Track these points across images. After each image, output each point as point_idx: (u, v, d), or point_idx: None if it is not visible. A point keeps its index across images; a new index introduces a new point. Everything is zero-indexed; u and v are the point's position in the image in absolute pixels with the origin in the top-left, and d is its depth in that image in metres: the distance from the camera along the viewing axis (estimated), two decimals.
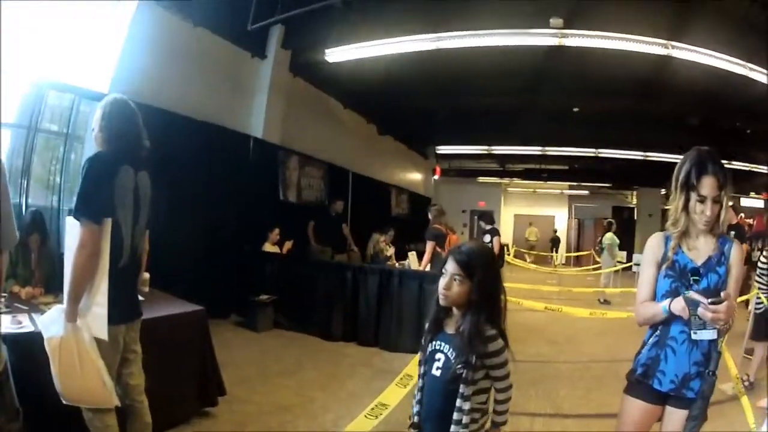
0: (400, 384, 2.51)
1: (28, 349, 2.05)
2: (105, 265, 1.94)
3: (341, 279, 5.50)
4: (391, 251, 7.96)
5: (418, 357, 1.70)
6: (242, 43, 6.29)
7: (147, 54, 4.89)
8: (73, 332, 1.91)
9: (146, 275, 3.13)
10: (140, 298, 2.31)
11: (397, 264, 7.25)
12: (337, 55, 6.50)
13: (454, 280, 1.51)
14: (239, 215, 6.16)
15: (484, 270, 1.53)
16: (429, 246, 5.53)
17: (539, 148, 12.67)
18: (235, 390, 3.40)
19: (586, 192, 18.37)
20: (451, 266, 1.53)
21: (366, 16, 6.23)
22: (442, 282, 1.53)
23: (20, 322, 2.46)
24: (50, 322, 1.99)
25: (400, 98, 9.08)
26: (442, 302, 1.54)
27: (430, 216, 5.82)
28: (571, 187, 18.60)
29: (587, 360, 5.10)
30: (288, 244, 6.46)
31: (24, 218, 3.56)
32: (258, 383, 3.83)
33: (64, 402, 2.01)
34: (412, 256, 6.63)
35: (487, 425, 1.55)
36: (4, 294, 2.86)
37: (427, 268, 5.48)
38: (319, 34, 6.62)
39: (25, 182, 4.32)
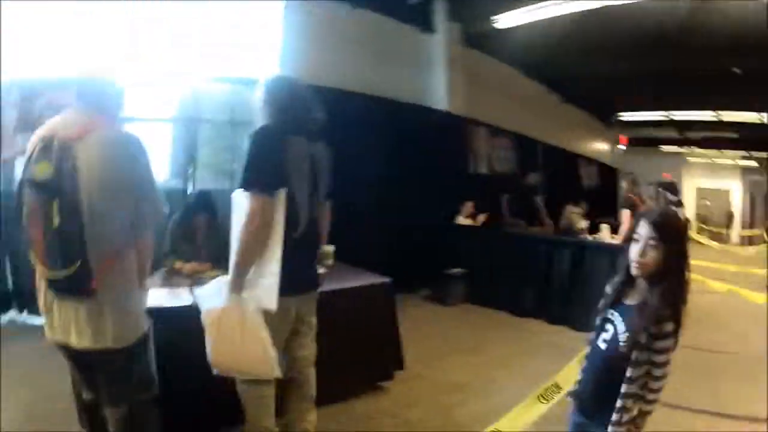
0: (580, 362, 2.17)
1: (184, 323, 2.08)
2: (279, 236, 1.88)
3: (533, 252, 5.31)
4: (584, 224, 7.35)
5: None
6: (407, 19, 6.29)
7: (310, 41, 5.17)
8: (236, 303, 1.88)
9: (329, 248, 3.15)
10: (321, 270, 2.27)
11: (589, 237, 6.66)
12: (505, 20, 6.19)
13: (649, 245, 1.33)
14: (429, 189, 6.13)
15: (678, 236, 1.39)
16: (625, 215, 5.03)
17: (715, 113, 10.90)
18: (413, 365, 3.36)
19: (756, 164, 15.90)
20: (644, 230, 1.35)
21: None
22: (635, 249, 1.35)
23: (179, 296, 2.51)
24: (210, 295, 1.97)
25: (578, 63, 8.31)
26: (634, 272, 1.36)
27: (623, 185, 5.34)
28: (744, 158, 16.27)
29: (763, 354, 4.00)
30: (482, 217, 6.37)
31: (188, 198, 3.85)
32: (437, 359, 3.78)
33: (214, 373, 2.00)
34: (605, 228, 6.06)
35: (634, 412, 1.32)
36: (163, 268, 3.03)
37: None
38: (484, 1, 6.33)
39: (191, 169, 4.84)
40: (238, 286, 1.88)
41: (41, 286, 1.67)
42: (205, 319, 1.95)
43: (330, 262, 3.17)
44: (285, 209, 1.89)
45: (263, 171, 1.87)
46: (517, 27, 6.26)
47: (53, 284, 1.61)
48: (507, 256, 5.50)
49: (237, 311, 1.88)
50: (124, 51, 4.43)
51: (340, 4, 5.62)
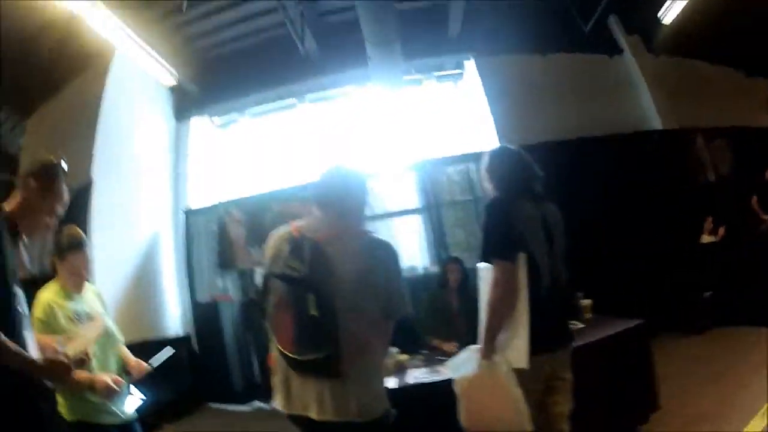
0: None
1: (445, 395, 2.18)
2: (524, 298, 1.97)
3: None
4: None
5: None
6: (591, 49, 6.39)
7: (515, 100, 5.57)
8: (487, 368, 1.98)
9: (587, 302, 3.44)
10: (579, 325, 2.46)
11: None
12: (669, 15, 5.98)
13: None
14: (662, 215, 5.94)
15: None
16: None
17: None
18: (667, 403, 3.28)
19: None
20: None
21: None
22: None
23: (437, 372, 2.74)
24: (461, 363, 2.09)
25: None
26: None
27: None
28: None
29: None
30: (722, 230, 5.96)
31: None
32: (689, 392, 3.68)
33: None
34: None
35: None
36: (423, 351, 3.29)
37: None
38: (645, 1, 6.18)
39: (444, 252, 5.17)
40: (489, 351, 1.99)
41: (279, 366, 1.75)
42: (458, 386, 2.07)
43: (588, 315, 3.40)
44: (527, 271, 1.98)
45: (500, 239, 2.00)
46: (682, 15, 5.96)
47: (297, 365, 1.67)
48: (759, 266, 5.04)
49: (488, 375, 1.98)
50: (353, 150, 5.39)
51: (530, 56, 5.97)
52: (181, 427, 4.77)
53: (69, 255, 2.19)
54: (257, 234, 5.06)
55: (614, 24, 6.58)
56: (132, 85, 5.65)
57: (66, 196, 1.80)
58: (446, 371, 2.26)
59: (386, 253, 1.76)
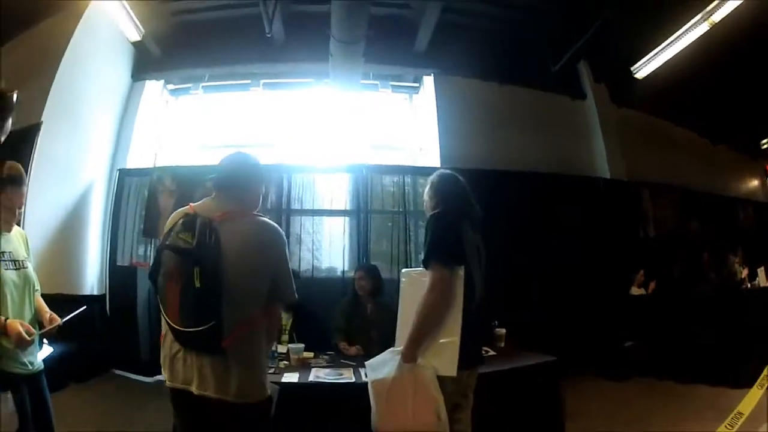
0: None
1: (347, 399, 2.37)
2: (459, 308, 2.04)
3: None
4: (744, 272, 7.05)
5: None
6: (556, 89, 6.46)
7: (463, 122, 5.62)
8: (409, 372, 2.03)
9: (501, 330, 3.56)
10: (491, 352, 2.55)
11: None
12: (643, 69, 6.05)
13: None
14: (597, 261, 6.01)
15: None
16: None
17: None
18: None
19: None
20: None
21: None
22: None
23: (341, 374, 2.82)
24: (380, 364, 2.13)
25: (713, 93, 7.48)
26: None
27: None
28: None
29: None
30: (652, 285, 6.20)
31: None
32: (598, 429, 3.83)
33: None
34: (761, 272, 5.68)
35: None
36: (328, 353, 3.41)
37: None
38: (619, 54, 6.27)
39: (365, 259, 5.11)
40: (412, 355, 2.05)
41: (166, 341, 1.82)
42: (374, 388, 2.11)
43: (501, 344, 3.53)
44: (464, 285, 2.07)
45: (445, 247, 2.09)
46: (656, 73, 6.06)
47: (181, 337, 1.73)
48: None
49: (409, 379, 2.02)
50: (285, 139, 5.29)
51: (488, 84, 6.01)
52: (85, 389, 4.72)
53: (7, 189, 2.16)
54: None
55: (583, 69, 6.65)
56: (100, 35, 5.53)
57: (8, 127, 1.84)
58: (366, 371, 2.27)
59: (274, 237, 1.84)
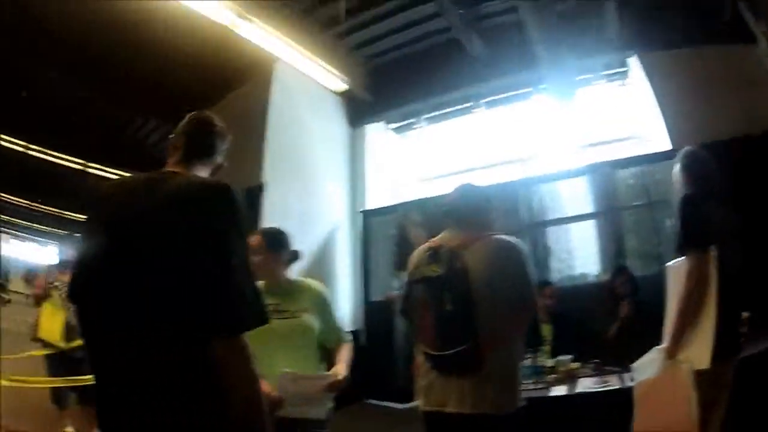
0: None
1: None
2: (713, 295, 1.95)
3: None
4: None
5: None
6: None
7: (681, 95, 5.20)
8: (668, 370, 1.96)
9: (744, 313, 3.27)
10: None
11: None
12: None
13: None
14: None
15: None
16: None
17: None
18: None
19: None
20: None
21: None
22: None
23: (606, 382, 2.80)
24: (645, 365, 2.07)
25: None
26: None
27: None
28: None
29: None
30: None
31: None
32: None
33: None
34: None
35: None
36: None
37: None
38: None
39: (618, 259, 4.76)
40: (675, 350, 1.98)
41: (421, 370, 1.90)
42: (636, 390, 2.07)
43: (743, 329, 3.29)
44: (719, 268, 1.98)
45: (695, 231, 2.03)
46: None
47: (439, 361, 1.81)
48: None
49: (668, 377, 1.96)
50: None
51: (690, 50, 5.41)
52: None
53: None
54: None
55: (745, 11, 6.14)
56: (297, 93, 5.87)
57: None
58: (633, 374, 2.26)
59: (513, 252, 1.91)
